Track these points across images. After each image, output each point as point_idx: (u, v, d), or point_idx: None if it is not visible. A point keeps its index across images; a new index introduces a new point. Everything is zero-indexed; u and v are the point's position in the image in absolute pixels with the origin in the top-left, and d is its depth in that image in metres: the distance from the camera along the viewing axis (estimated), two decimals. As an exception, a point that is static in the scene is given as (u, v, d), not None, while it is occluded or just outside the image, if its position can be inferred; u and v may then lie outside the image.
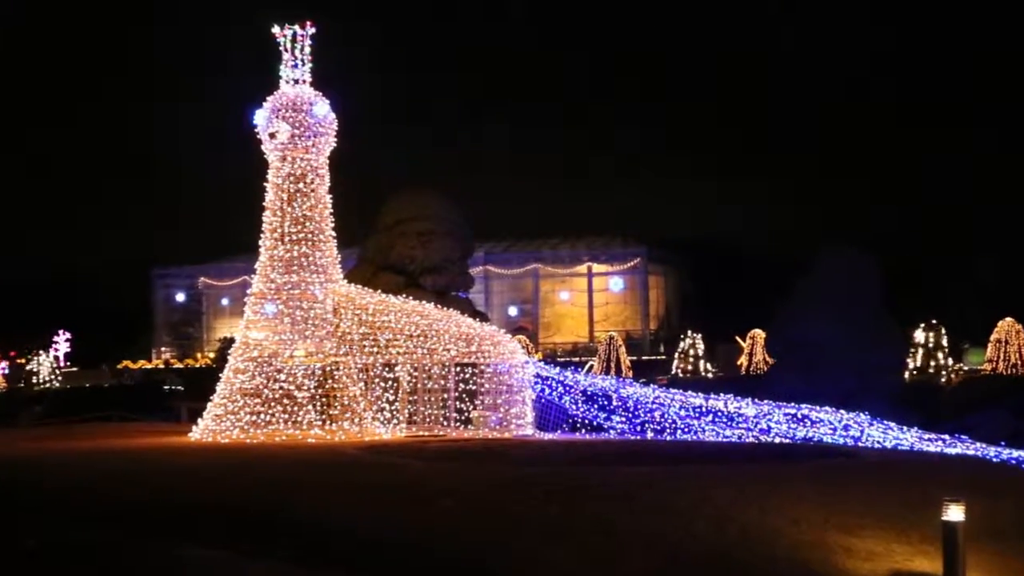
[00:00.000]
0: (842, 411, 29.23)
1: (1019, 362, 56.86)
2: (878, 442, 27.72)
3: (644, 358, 78.46)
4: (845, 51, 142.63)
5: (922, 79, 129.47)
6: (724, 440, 28.90)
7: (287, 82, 31.29)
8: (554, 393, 31.59)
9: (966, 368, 60.50)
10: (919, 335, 57.75)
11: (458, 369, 31.14)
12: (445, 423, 31.15)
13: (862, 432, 28.12)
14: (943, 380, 54.51)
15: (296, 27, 31.31)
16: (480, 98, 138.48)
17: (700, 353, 68.04)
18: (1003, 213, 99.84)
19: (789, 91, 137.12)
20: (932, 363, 56.77)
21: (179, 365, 79.34)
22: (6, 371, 69.38)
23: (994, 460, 25.73)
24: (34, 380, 62.79)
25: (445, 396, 31.20)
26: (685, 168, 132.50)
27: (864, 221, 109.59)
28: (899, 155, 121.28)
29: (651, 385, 32.41)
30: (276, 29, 31.31)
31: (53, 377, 64.32)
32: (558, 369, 33.01)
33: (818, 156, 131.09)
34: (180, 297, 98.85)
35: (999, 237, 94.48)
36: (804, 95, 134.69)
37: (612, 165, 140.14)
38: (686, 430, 29.82)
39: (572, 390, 31.62)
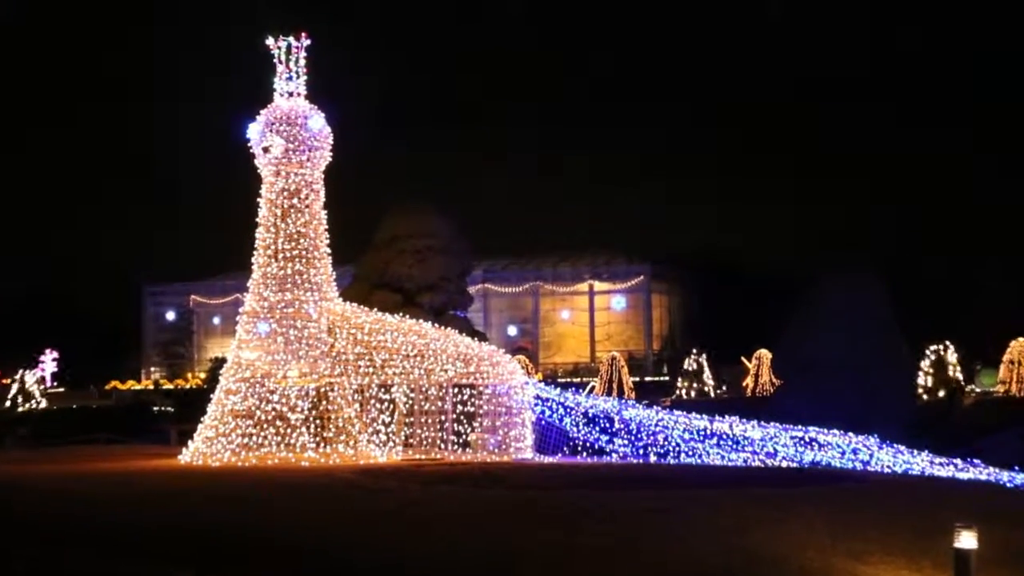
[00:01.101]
0: (851, 434, 29.16)
1: (1032, 383, 56.44)
2: (888, 466, 27.78)
3: (647, 379, 78.18)
4: (845, 51, 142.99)
5: (922, 80, 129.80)
6: (729, 464, 28.75)
7: (281, 95, 30.86)
8: (554, 415, 31.30)
9: (978, 390, 60.03)
10: (928, 358, 57.17)
11: (456, 390, 30.83)
12: (442, 446, 30.83)
13: (871, 456, 28.15)
14: (955, 402, 53.91)
15: (291, 39, 30.90)
16: (478, 101, 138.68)
17: (705, 374, 67.53)
18: (1006, 213, 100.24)
19: (788, 92, 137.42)
20: (943, 383, 56.16)
21: (169, 386, 78.76)
22: None
23: (1007, 485, 25.90)
24: (19, 401, 62.32)
25: (442, 418, 30.89)
26: (686, 168, 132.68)
27: (864, 226, 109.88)
28: (899, 156, 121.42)
29: (654, 407, 32.31)
30: (270, 41, 30.86)
31: (38, 397, 63.96)
32: (558, 390, 32.74)
33: (818, 156, 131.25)
34: (170, 315, 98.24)
35: (1000, 240, 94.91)
36: (803, 97, 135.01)
37: (613, 171, 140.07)
38: (690, 453, 29.63)
39: (573, 412, 31.32)
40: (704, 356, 68.00)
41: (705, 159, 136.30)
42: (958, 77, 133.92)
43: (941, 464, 27.58)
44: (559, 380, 68.54)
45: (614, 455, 30.48)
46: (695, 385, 66.86)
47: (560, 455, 30.96)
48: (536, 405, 31.24)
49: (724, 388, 68.62)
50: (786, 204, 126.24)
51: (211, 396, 31.15)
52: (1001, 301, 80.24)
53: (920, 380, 55.61)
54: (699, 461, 29.12)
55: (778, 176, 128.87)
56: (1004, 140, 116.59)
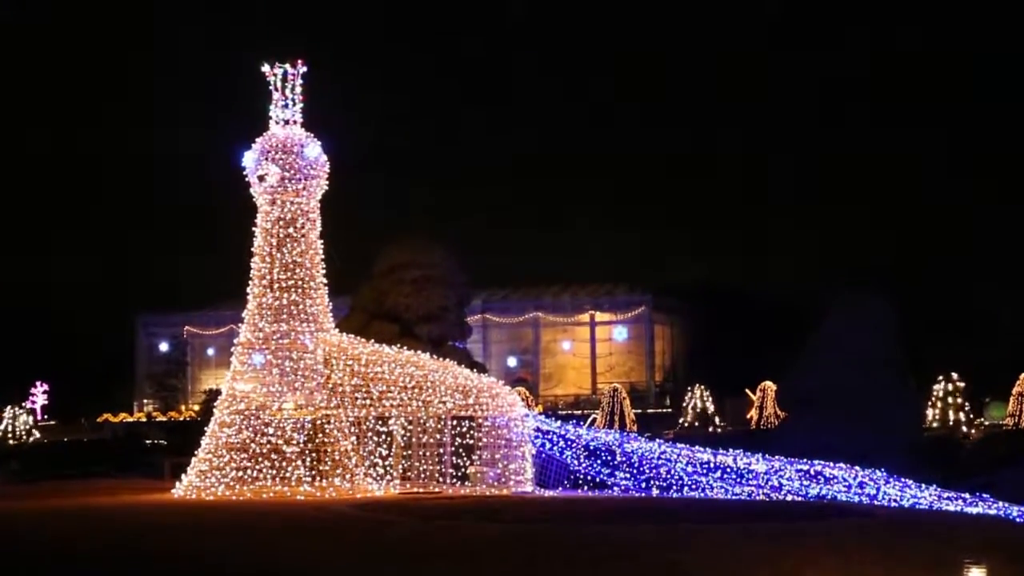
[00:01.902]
0: (857, 468, 29.05)
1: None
2: (895, 500, 27.78)
3: (649, 411, 77.61)
4: (845, 51, 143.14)
5: (921, 81, 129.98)
6: (733, 498, 28.61)
7: (277, 123, 30.62)
8: (555, 448, 31.15)
9: (987, 423, 59.54)
10: (938, 388, 56.70)
11: (454, 423, 30.69)
12: (441, 479, 30.69)
13: (878, 490, 28.08)
14: (963, 435, 53.47)
15: (287, 66, 30.64)
16: (482, 128, 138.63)
17: (708, 406, 67.07)
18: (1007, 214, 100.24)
19: (788, 94, 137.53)
20: (952, 416, 55.63)
21: (162, 418, 78.22)
22: None
23: (1017, 520, 25.86)
24: (10, 434, 61.82)
25: (441, 451, 30.80)
26: (686, 169, 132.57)
27: (864, 226, 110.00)
28: (899, 156, 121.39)
29: (656, 440, 32.12)
30: (266, 68, 30.60)
31: (29, 431, 63.46)
32: (559, 423, 32.54)
33: (818, 156, 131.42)
34: (164, 346, 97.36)
35: (1001, 241, 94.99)
36: (803, 98, 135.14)
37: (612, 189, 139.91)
38: (693, 487, 29.55)
39: (574, 445, 31.17)
40: (707, 388, 67.54)
41: (705, 159, 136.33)
42: (958, 77, 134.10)
43: (949, 498, 27.53)
44: (560, 412, 68.12)
45: (616, 488, 30.34)
46: (698, 417, 66.42)
47: (561, 488, 30.86)
48: (536, 438, 31.08)
49: (725, 421, 68.05)
50: (786, 204, 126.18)
51: (205, 428, 30.89)
52: (1005, 311, 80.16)
53: (928, 413, 55.17)
54: (702, 495, 29.07)
55: (779, 177, 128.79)
56: (1004, 143, 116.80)
